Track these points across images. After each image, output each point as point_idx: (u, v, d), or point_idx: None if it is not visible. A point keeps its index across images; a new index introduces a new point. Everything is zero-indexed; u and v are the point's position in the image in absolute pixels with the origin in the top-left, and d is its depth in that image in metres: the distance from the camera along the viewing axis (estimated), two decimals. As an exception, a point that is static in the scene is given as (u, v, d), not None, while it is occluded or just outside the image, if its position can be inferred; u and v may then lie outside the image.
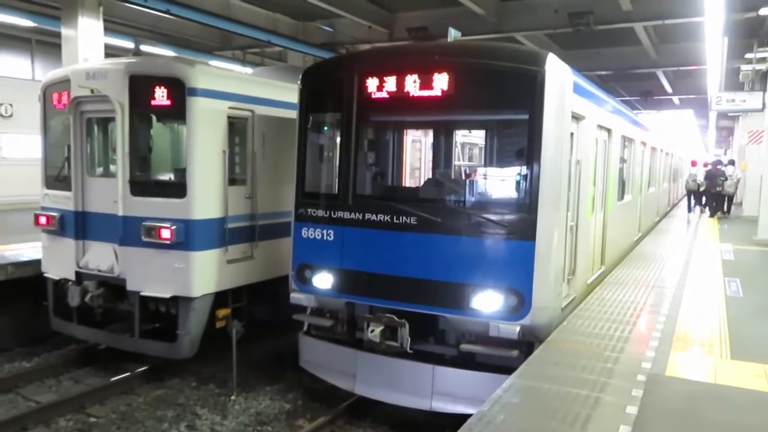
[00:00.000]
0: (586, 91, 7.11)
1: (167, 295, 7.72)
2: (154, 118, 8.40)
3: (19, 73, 19.99)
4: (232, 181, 8.19)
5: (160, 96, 7.73)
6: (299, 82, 7.35)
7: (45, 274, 8.88)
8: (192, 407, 7.61)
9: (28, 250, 10.18)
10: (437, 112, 7.10)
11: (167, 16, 14.16)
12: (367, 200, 7.03)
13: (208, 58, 19.58)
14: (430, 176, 9.82)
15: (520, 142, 6.39)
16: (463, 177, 10.96)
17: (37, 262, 9.18)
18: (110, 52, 13.70)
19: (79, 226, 8.32)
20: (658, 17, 15.19)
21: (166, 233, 7.56)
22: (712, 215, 20.10)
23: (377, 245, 6.58)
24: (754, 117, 20.22)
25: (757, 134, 19.28)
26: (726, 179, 19.57)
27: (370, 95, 6.69)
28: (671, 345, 5.89)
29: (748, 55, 18.37)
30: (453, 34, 9.49)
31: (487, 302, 6.07)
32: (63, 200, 8.46)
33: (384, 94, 6.61)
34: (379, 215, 6.58)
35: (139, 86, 7.80)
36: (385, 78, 6.57)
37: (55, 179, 8.75)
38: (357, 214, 6.73)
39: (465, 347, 6.32)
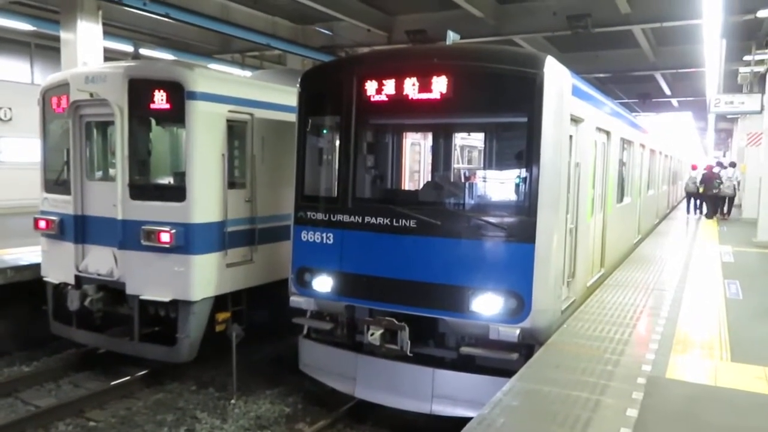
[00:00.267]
0: (584, 94, 7.12)
1: (167, 298, 7.71)
2: (153, 121, 8.39)
3: (18, 76, 19.99)
4: (232, 184, 8.19)
5: (160, 99, 7.73)
6: (298, 85, 7.36)
7: (44, 278, 8.87)
8: (192, 411, 7.60)
9: (27, 254, 10.17)
10: (436, 115, 7.10)
11: (166, 19, 14.19)
12: (366, 203, 7.04)
13: (207, 62, 19.64)
14: (430, 179, 9.82)
15: (519, 145, 6.39)
16: (463, 180, 10.95)
17: (36, 266, 9.17)
18: (109, 55, 13.75)
19: (78, 229, 8.32)
20: (656, 20, 15.23)
21: (165, 237, 7.56)
22: (709, 217, 20.14)
23: (377, 248, 6.58)
24: (752, 119, 20.26)
25: (756, 136, 19.31)
26: (722, 182, 19.64)
27: (369, 98, 6.70)
28: (671, 347, 5.88)
29: (746, 58, 18.41)
30: (452, 37, 9.49)
31: (487, 305, 6.06)
32: (62, 204, 8.46)
33: (383, 97, 6.61)
34: (378, 218, 6.58)
35: (139, 90, 7.80)
36: (384, 81, 6.58)
37: (55, 183, 8.75)
38: (356, 217, 6.72)
39: (465, 350, 6.31)
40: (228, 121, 8.03)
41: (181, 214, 7.62)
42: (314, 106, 7.37)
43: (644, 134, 13.35)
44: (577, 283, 7.26)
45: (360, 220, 6.70)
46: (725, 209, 20.40)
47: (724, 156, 38.07)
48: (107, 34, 13.75)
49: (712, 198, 20.11)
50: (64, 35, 12.48)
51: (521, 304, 5.96)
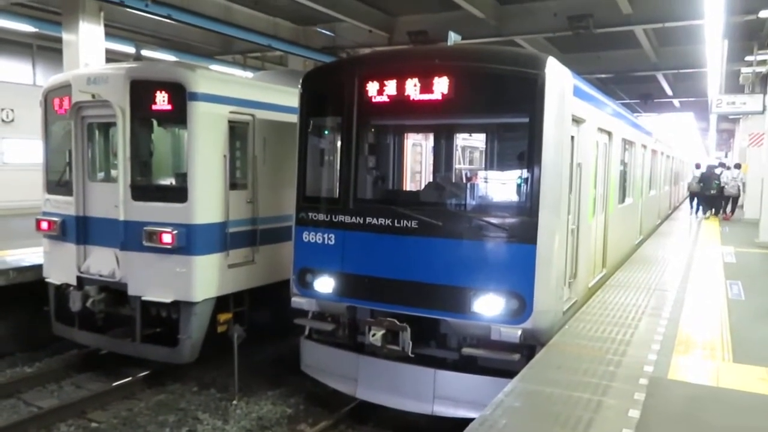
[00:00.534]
0: (586, 94, 7.11)
1: (168, 299, 7.71)
2: (155, 122, 8.40)
3: (20, 78, 20.03)
4: (233, 185, 8.19)
5: (161, 101, 7.74)
6: (300, 86, 7.36)
7: (46, 279, 8.88)
8: (193, 412, 7.60)
9: (29, 255, 10.19)
10: (438, 116, 7.10)
11: (168, 21, 14.20)
12: (368, 204, 7.04)
13: (209, 63, 19.66)
14: (431, 180, 9.82)
15: (520, 146, 6.39)
16: (464, 180, 10.97)
17: (38, 267, 9.18)
18: (111, 57, 13.76)
19: (80, 231, 8.33)
20: (658, 20, 15.22)
21: (167, 238, 7.56)
22: (705, 215, 20.21)
23: (378, 249, 6.58)
24: (754, 119, 20.24)
25: (757, 137, 19.28)
26: (719, 182, 19.71)
27: (370, 99, 6.70)
28: (673, 348, 5.87)
29: (748, 58, 18.40)
30: (453, 37, 9.49)
31: (489, 306, 6.06)
32: (64, 205, 8.47)
33: (384, 98, 6.61)
34: (380, 219, 6.58)
35: (140, 91, 7.82)
36: (385, 82, 6.58)
37: (57, 184, 8.76)
38: (358, 218, 6.72)
39: (466, 351, 6.31)
40: (229, 122, 8.04)
41: (183, 215, 7.63)
42: (316, 107, 7.38)
43: (646, 134, 13.34)
44: (579, 283, 7.26)
45: (361, 221, 6.70)
46: (729, 209, 20.43)
47: (726, 156, 38.02)
48: (109, 35, 13.77)
49: (710, 197, 20.14)
50: (65, 36, 12.51)
51: (523, 305, 5.95)
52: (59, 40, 12.96)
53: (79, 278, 8.34)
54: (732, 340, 6.23)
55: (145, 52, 17.75)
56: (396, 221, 6.48)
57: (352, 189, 6.84)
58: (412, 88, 6.43)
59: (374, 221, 6.62)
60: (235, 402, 7.80)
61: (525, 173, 6.14)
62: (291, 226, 7.32)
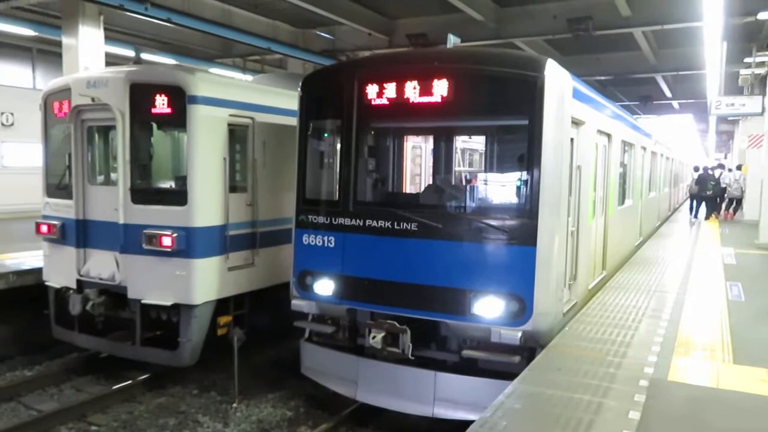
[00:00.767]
0: (585, 97, 7.12)
1: (168, 302, 7.71)
2: (154, 126, 8.41)
3: (20, 82, 20.06)
4: (233, 188, 8.20)
5: (161, 104, 7.75)
6: (299, 89, 7.37)
7: (46, 283, 8.88)
8: (194, 415, 7.60)
9: (29, 258, 10.19)
10: (437, 119, 7.11)
11: (168, 24, 14.23)
12: (367, 206, 7.04)
13: (209, 66, 19.70)
14: (431, 182, 9.82)
15: (520, 148, 6.39)
16: (464, 183, 10.97)
17: (38, 271, 9.18)
18: (111, 60, 13.77)
19: (80, 234, 8.33)
20: (657, 22, 15.25)
21: (167, 241, 7.57)
22: (707, 217, 20.28)
23: (378, 251, 6.58)
24: (754, 121, 20.26)
25: (757, 138, 19.30)
26: (716, 183, 19.79)
27: (370, 102, 6.71)
28: (673, 350, 5.87)
29: (747, 60, 18.43)
30: (452, 40, 9.53)
31: (489, 308, 6.06)
32: (64, 208, 8.47)
33: (384, 101, 6.62)
34: (380, 221, 6.59)
35: (140, 94, 7.82)
36: (385, 84, 6.58)
37: (56, 188, 8.76)
38: (358, 220, 6.73)
39: (467, 353, 6.30)
40: (229, 125, 8.04)
41: (183, 218, 7.64)
42: (315, 109, 7.39)
43: (645, 137, 13.35)
44: (579, 285, 7.26)
45: (361, 224, 6.70)
46: (732, 210, 20.55)
47: (726, 158, 38.07)
48: (109, 39, 13.80)
49: (706, 199, 20.22)
50: (65, 40, 12.54)
51: (523, 307, 5.95)
52: (59, 44, 12.99)
53: (78, 281, 8.34)
54: (732, 341, 6.23)
55: (144, 56, 17.81)
56: (396, 224, 6.49)
57: (352, 191, 6.85)
58: (412, 90, 6.44)
59: (374, 224, 6.62)
60: (235, 405, 7.80)
61: (525, 175, 6.14)
62: (291, 228, 7.32)
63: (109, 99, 7.88)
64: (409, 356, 6.41)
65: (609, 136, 8.77)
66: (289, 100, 8.46)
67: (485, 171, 10.13)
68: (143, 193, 7.98)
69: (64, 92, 8.48)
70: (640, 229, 13.30)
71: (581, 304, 7.39)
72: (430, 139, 10.62)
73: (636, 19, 15.20)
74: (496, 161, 9.11)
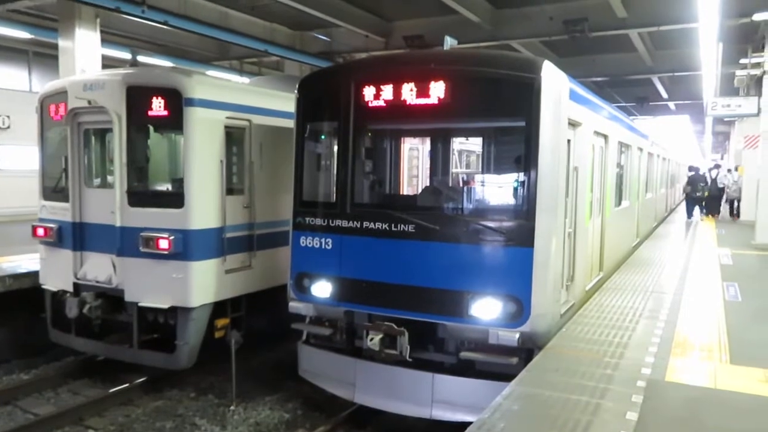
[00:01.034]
0: (582, 98, 7.14)
1: (165, 305, 7.70)
2: (151, 128, 8.39)
3: (16, 84, 20.04)
4: (230, 190, 8.19)
5: (158, 106, 7.74)
6: (296, 91, 7.37)
7: (43, 286, 8.85)
8: (191, 418, 7.58)
9: (26, 261, 10.17)
10: (434, 120, 7.12)
11: (165, 27, 14.21)
12: (365, 208, 7.03)
13: (206, 69, 19.68)
14: (428, 184, 9.83)
15: (517, 150, 6.40)
16: (461, 184, 10.98)
17: (35, 274, 9.16)
18: (107, 63, 13.76)
19: (76, 237, 8.31)
20: (652, 24, 15.28)
21: (164, 243, 7.55)
22: (706, 214, 20.41)
23: (376, 253, 6.58)
24: (749, 122, 20.32)
25: (753, 139, 19.36)
26: (706, 184, 19.96)
27: (367, 104, 6.71)
28: (670, 350, 5.88)
29: (742, 61, 18.47)
30: (449, 42, 9.54)
31: (486, 309, 6.06)
32: (61, 211, 8.46)
33: (381, 103, 6.62)
34: (377, 223, 6.58)
35: (137, 97, 7.82)
36: (381, 86, 6.59)
37: (53, 190, 8.74)
38: (355, 222, 6.73)
39: (464, 355, 6.30)
40: (226, 127, 8.04)
41: (180, 221, 7.62)
42: (312, 111, 7.38)
43: (642, 138, 13.38)
44: (576, 286, 7.27)
45: (359, 226, 6.70)
46: (735, 212, 20.70)
47: (722, 159, 38.18)
48: (105, 41, 13.79)
49: (699, 199, 20.35)
50: (62, 43, 12.52)
51: (520, 309, 5.96)
52: (55, 47, 12.98)
53: (75, 285, 8.32)
54: (729, 341, 6.24)
55: (141, 58, 17.78)
56: (393, 225, 6.49)
57: (349, 193, 6.85)
58: (409, 92, 6.44)
59: (371, 225, 6.62)
60: (232, 407, 7.78)
61: (521, 177, 6.15)
62: (288, 230, 7.32)
63: (105, 102, 7.87)
64: (407, 358, 6.41)
65: (606, 137, 8.79)
66: (286, 102, 8.45)
67: (482, 173, 10.14)
68: (140, 195, 7.96)
69: (61, 95, 8.47)
70: (637, 230, 13.32)
71: (578, 305, 7.40)
72: (427, 140, 10.63)
73: (632, 21, 15.24)
74: (493, 163, 9.11)
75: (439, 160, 9.66)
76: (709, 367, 5.47)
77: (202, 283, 7.77)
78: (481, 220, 6.24)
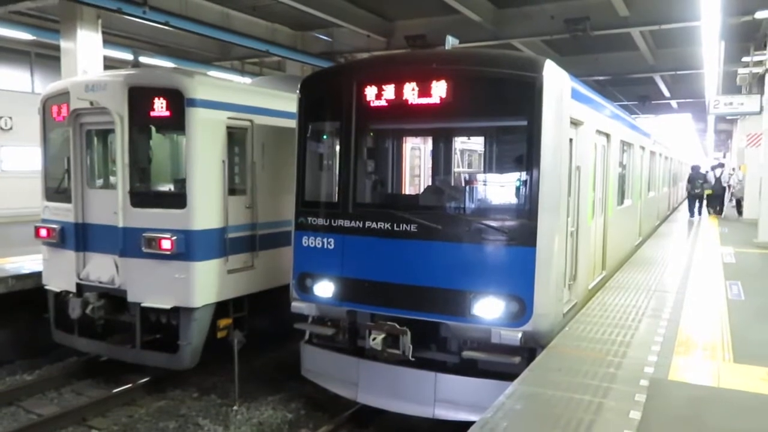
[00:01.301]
0: (584, 97, 7.13)
1: (168, 305, 7.71)
2: (153, 129, 8.41)
3: (18, 86, 20.07)
4: (232, 191, 8.20)
5: (160, 107, 7.75)
6: (298, 91, 7.38)
7: (46, 287, 8.88)
8: (194, 418, 7.59)
9: (28, 262, 10.19)
10: (436, 120, 7.11)
11: (166, 27, 14.23)
12: (367, 208, 7.03)
13: (207, 69, 19.69)
14: (430, 183, 9.82)
15: (519, 149, 6.40)
16: (463, 184, 10.98)
17: (37, 275, 9.18)
18: (109, 64, 13.79)
19: (79, 237, 8.32)
20: (654, 22, 15.26)
21: (166, 244, 7.56)
22: (709, 212, 20.43)
23: (378, 253, 6.58)
24: (752, 120, 20.28)
25: (755, 137, 19.32)
26: (705, 182, 20.00)
27: (368, 104, 6.71)
28: (673, 349, 5.87)
29: (745, 59, 18.45)
30: (451, 41, 9.54)
31: (489, 309, 6.06)
32: (63, 212, 8.47)
33: (383, 103, 6.62)
34: (379, 223, 6.58)
35: (139, 98, 7.83)
36: (383, 86, 6.59)
37: (55, 191, 8.76)
38: (357, 222, 6.73)
39: (467, 354, 6.30)
40: (228, 127, 8.04)
41: (182, 221, 7.63)
42: (314, 111, 7.38)
43: (644, 136, 13.36)
44: (579, 285, 7.26)
45: (361, 225, 6.71)
46: (741, 209, 20.79)
47: (724, 157, 38.10)
48: (107, 42, 13.80)
49: (697, 197, 20.44)
50: (64, 44, 12.53)
51: (523, 308, 5.95)
52: (57, 48, 12.99)
53: (78, 285, 8.33)
54: (732, 340, 6.22)
55: (143, 59, 17.79)
56: (395, 225, 6.49)
57: (352, 193, 6.85)
58: (411, 92, 6.44)
59: (374, 225, 6.62)
60: (235, 407, 7.79)
61: (524, 176, 6.14)
62: (290, 231, 7.32)
63: (107, 102, 7.88)
64: (410, 357, 6.41)
65: (608, 136, 8.78)
66: (288, 102, 8.46)
67: (484, 172, 10.14)
68: (142, 196, 7.98)
69: (63, 96, 8.48)
70: (640, 229, 13.30)
71: (581, 304, 7.39)
72: (429, 140, 10.62)
73: (634, 19, 15.21)
74: (495, 162, 9.12)
75: (441, 159, 9.66)
76: (713, 365, 5.46)
77: (205, 284, 7.78)
78: (484, 219, 6.23)
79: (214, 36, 15.46)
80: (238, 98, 8.34)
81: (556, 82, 6.10)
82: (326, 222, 6.95)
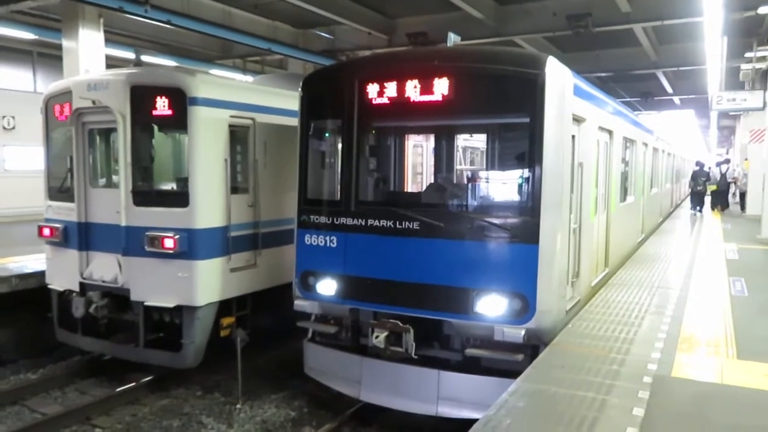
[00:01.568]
0: (586, 93, 7.11)
1: (171, 304, 7.72)
2: (155, 128, 8.42)
3: (20, 85, 20.07)
4: (235, 189, 8.21)
5: (162, 106, 7.76)
6: (300, 89, 7.37)
7: (49, 286, 8.89)
8: (197, 416, 7.61)
9: (32, 261, 10.20)
10: (438, 117, 7.11)
11: (168, 26, 14.22)
12: (369, 206, 7.03)
13: (209, 67, 19.67)
14: (432, 181, 9.81)
15: (521, 146, 6.39)
16: (465, 181, 10.96)
17: (41, 274, 9.20)
18: (111, 63, 13.77)
19: (82, 237, 8.34)
20: (657, 18, 15.19)
21: (169, 243, 7.57)
22: (712, 208, 20.43)
23: (380, 251, 6.58)
24: (755, 116, 20.22)
25: (758, 133, 19.26)
26: (708, 179, 20.03)
27: (370, 101, 6.70)
28: (677, 346, 5.86)
29: (747, 54, 18.36)
30: (452, 38, 9.50)
31: (492, 306, 6.06)
32: (66, 211, 8.49)
33: (385, 100, 6.62)
34: (381, 221, 6.58)
35: (141, 96, 7.83)
36: (385, 84, 6.59)
37: (58, 191, 8.78)
38: (360, 220, 6.73)
39: (470, 352, 6.30)
40: (230, 126, 8.05)
41: (185, 220, 7.64)
42: (316, 109, 7.38)
43: (647, 133, 13.33)
44: (582, 282, 7.25)
45: (363, 223, 6.70)
46: (742, 203, 20.91)
47: (727, 153, 38.01)
48: (109, 41, 13.79)
49: (699, 194, 20.55)
50: (66, 43, 12.54)
51: (526, 305, 5.95)
52: (59, 47, 12.98)
53: (81, 284, 8.35)
54: (736, 336, 6.22)
55: (145, 58, 17.77)
56: (398, 223, 6.49)
57: (354, 191, 6.85)
58: (413, 89, 6.44)
59: (376, 223, 6.62)
60: (239, 406, 7.80)
61: (526, 173, 6.14)
62: (293, 229, 7.32)
63: (109, 101, 7.89)
64: (413, 355, 6.41)
65: (610, 132, 8.76)
66: (290, 100, 8.46)
67: (487, 169, 10.12)
68: (145, 195, 7.99)
69: (65, 95, 8.49)
70: (643, 226, 13.28)
71: (584, 301, 7.38)
72: (432, 137, 10.61)
73: (636, 15, 15.15)
74: (498, 159, 9.10)
75: (444, 157, 9.65)
76: (716, 362, 5.45)
77: (208, 282, 7.79)
78: (486, 216, 6.23)
79: (215, 34, 15.44)
80: (240, 96, 8.34)
81: (559, 79, 6.09)
82: (329, 220, 6.95)
